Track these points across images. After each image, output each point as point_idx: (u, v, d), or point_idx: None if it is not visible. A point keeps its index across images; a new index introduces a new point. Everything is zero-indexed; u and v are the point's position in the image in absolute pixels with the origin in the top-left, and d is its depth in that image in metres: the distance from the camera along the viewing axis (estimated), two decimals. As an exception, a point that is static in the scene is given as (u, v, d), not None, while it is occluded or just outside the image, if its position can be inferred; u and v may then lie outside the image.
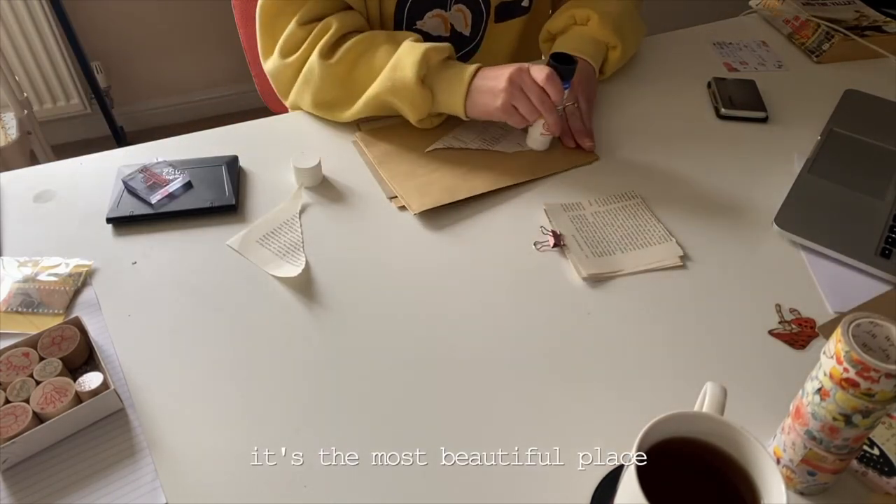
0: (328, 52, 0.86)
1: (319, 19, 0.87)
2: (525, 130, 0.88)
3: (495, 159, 0.86)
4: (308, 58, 0.86)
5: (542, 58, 1.05)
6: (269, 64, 0.90)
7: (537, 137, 0.87)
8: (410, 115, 0.86)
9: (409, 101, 0.84)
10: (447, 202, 0.78)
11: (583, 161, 0.86)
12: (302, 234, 0.76)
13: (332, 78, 0.86)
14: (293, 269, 0.71)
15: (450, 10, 0.95)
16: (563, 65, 0.81)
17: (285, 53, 0.88)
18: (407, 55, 0.83)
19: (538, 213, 0.79)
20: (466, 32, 0.99)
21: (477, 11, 0.97)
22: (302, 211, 0.79)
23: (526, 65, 0.81)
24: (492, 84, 0.81)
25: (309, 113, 0.93)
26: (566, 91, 0.82)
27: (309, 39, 0.86)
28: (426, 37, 0.96)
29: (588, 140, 0.87)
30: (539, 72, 0.80)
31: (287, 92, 0.91)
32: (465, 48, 1.00)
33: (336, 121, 0.91)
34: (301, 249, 0.74)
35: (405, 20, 0.95)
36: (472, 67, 0.83)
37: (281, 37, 0.87)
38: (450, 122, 0.90)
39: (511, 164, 0.85)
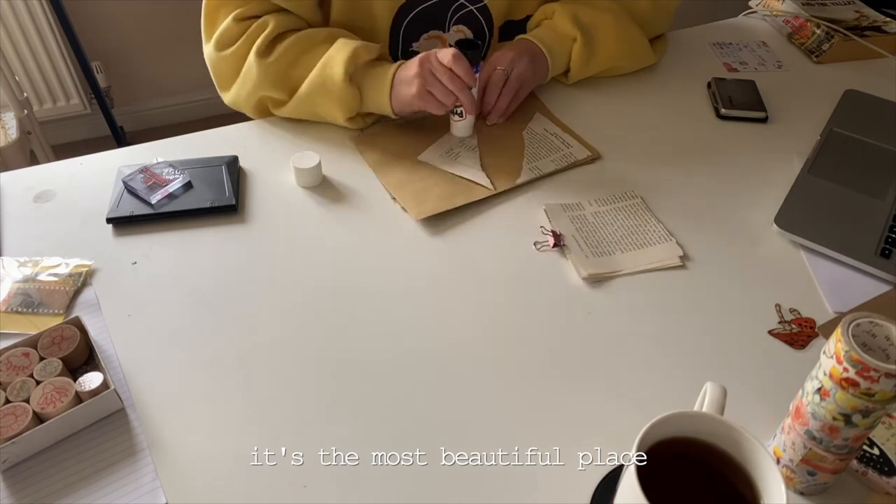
0: (265, 51, 0.85)
1: (257, 18, 0.86)
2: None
3: (492, 162, 0.86)
4: (244, 55, 0.86)
5: None
6: (206, 52, 0.90)
7: (456, 123, 0.88)
8: (339, 114, 0.86)
9: (337, 99, 0.84)
10: (445, 209, 0.78)
11: (583, 160, 0.86)
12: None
13: (270, 77, 0.85)
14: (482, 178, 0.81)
15: (448, 30, 0.94)
16: (467, 49, 0.82)
17: (220, 47, 0.87)
18: (337, 53, 0.83)
19: (538, 213, 0.79)
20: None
21: (479, 32, 0.96)
22: (303, 210, 0.79)
23: (434, 50, 0.82)
24: (406, 74, 0.82)
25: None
26: (476, 75, 0.84)
27: (244, 37, 0.85)
28: None
29: (495, 115, 0.89)
30: (445, 54, 0.81)
31: (224, 86, 0.90)
32: None
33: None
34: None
35: (400, 42, 0.94)
36: (395, 64, 0.84)
37: (218, 29, 0.87)
38: (441, 128, 0.90)
39: (510, 166, 0.85)
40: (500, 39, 0.99)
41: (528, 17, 0.99)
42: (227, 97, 0.91)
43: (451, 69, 0.81)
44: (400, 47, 0.95)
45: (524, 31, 0.99)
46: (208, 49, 0.89)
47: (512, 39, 0.96)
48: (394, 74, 0.83)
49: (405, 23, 0.92)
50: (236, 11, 0.85)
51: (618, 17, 0.96)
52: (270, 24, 0.85)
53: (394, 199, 0.81)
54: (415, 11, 0.91)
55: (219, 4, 0.86)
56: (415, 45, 0.95)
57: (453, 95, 0.82)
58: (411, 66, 0.82)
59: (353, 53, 0.82)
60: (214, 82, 0.92)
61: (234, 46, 0.86)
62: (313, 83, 0.84)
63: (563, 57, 0.95)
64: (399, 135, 0.90)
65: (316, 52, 0.85)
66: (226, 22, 0.86)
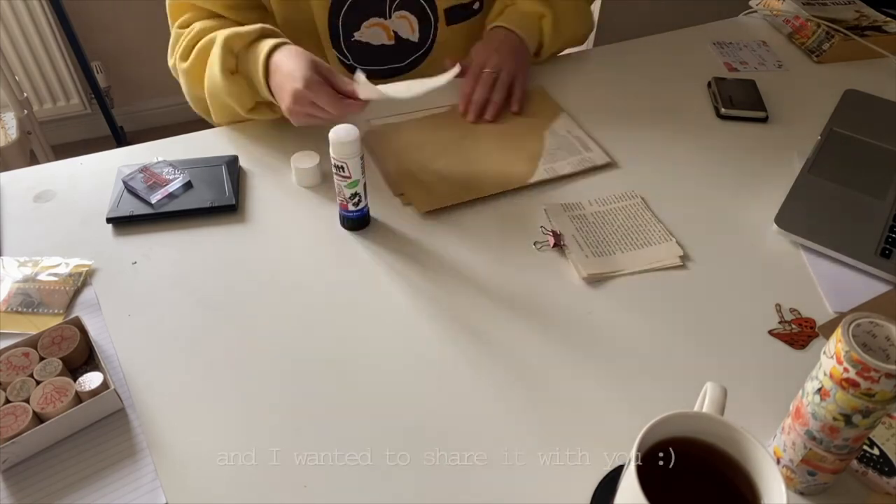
0: (185, 55, 0.86)
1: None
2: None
3: (509, 158, 0.85)
4: (174, 64, 0.88)
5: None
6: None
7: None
8: (240, 110, 0.83)
9: (227, 95, 0.81)
10: (453, 203, 0.78)
11: (601, 165, 0.85)
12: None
13: (190, 81, 0.86)
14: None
15: (390, 17, 0.93)
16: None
17: (169, 54, 0.90)
18: (214, 50, 0.81)
19: (538, 213, 0.79)
20: (415, 38, 0.96)
21: (424, 17, 0.95)
22: (303, 210, 0.79)
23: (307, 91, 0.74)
24: (280, 88, 0.78)
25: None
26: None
27: (179, 42, 0.87)
28: (367, 47, 0.92)
29: (492, 111, 0.88)
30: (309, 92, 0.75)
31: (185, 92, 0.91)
32: (414, 54, 0.98)
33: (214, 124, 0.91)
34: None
35: (341, 32, 0.92)
36: (266, 47, 0.78)
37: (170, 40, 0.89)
38: (453, 123, 0.90)
39: (526, 165, 0.84)
40: (447, 24, 0.97)
41: (476, 0, 0.98)
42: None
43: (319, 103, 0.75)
44: (342, 37, 0.93)
45: (472, 16, 0.98)
46: (168, 62, 0.91)
47: (458, 24, 0.96)
48: (266, 62, 0.78)
49: (342, 12, 0.90)
50: (179, 20, 0.88)
51: None
52: (195, 29, 0.85)
53: (399, 195, 0.81)
54: (349, 1, 0.89)
55: (172, 15, 0.89)
56: (356, 35, 0.93)
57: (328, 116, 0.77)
58: (284, 89, 0.76)
59: (224, 45, 0.79)
60: None
61: (172, 56, 0.89)
62: (207, 87, 0.84)
63: (536, 37, 0.96)
64: (413, 127, 0.89)
65: (212, 52, 0.83)
66: (172, 30, 0.89)
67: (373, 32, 0.93)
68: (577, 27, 1.02)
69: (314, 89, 0.74)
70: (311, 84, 0.74)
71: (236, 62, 0.81)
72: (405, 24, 0.94)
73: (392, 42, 0.95)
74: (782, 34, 1.16)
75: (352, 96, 0.76)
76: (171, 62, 0.90)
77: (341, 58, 0.96)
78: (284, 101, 0.77)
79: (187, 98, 0.90)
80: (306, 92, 0.74)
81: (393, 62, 0.97)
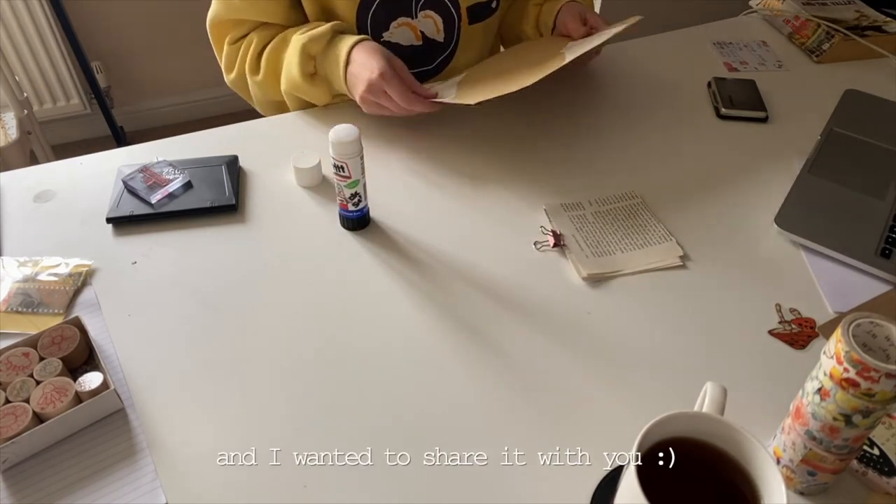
0: (254, 69, 0.91)
1: (245, 37, 0.92)
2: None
3: (530, 59, 0.87)
4: (243, 74, 0.93)
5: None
6: (227, 80, 0.97)
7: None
8: (318, 104, 0.92)
9: (308, 96, 0.90)
10: (500, 94, 0.79)
11: (626, 29, 0.86)
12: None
13: (266, 90, 0.92)
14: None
15: (416, 17, 0.93)
16: None
17: (228, 71, 0.95)
18: (291, 55, 0.87)
19: (538, 213, 0.79)
20: (440, 38, 0.97)
21: (448, 16, 0.95)
22: (303, 210, 0.79)
23: (381, 83, 0.81)
24: (356, 77, 0.83)
25: (309, 113, 0.93)
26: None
27: (239, 57, 0.92)
28: (397, 48, 0.94)
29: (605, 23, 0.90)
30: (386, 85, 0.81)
31: (252, 101, 0.98)
32: (441, 54, 0.99)
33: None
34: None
35: (370, 34, 0.93)
36: (346, 46, 0.84)
37: (223, 58, 0.94)
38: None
39: (546, 53, 0.85)
40: (469, 23, 0.98)
41: None
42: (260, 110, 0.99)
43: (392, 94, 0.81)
44: (371, 39, 0.94)
45: (489, 13, 0.99)
46: (225, 77, 0.96)
47: (481, 22, 0.99)
48: (346, 63, 0.84)
49: (370, 15, 0.91)
50: (228, 36, 0.92)
51: None
52: (254, 42, 0.90)
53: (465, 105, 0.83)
54: (377, 2, 0.91)
55: (216, 36, 0.93)
56: (385, 36, 0.93)
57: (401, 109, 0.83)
58: (363, 70, 0.82)
59: (302, 51, 0.85)
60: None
61: (235, 71, 0.93)
62: (285, 85, 0.89)
63: None
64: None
65: (282, 58, 0.89)
66: (224, 49, 0.93)
67: (401, 32, 0.94)
68: None
69: (388, 79, 0.80)
70: (385, 75, 0.80)
71: (314, 65, 0.87)
72: (431, 24, 0.95)
73: (420, 43, 0.96)
74: (782, 34, 1.16)
75: (422, 95, 0.83)
76: (230, 77, 0.95)
77: None
78: (358, 90, 0.83)
79: (257, 104, 0.97)
80: (380, 81, 0.80)
81: (422, 64, 0.98)
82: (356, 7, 0.90)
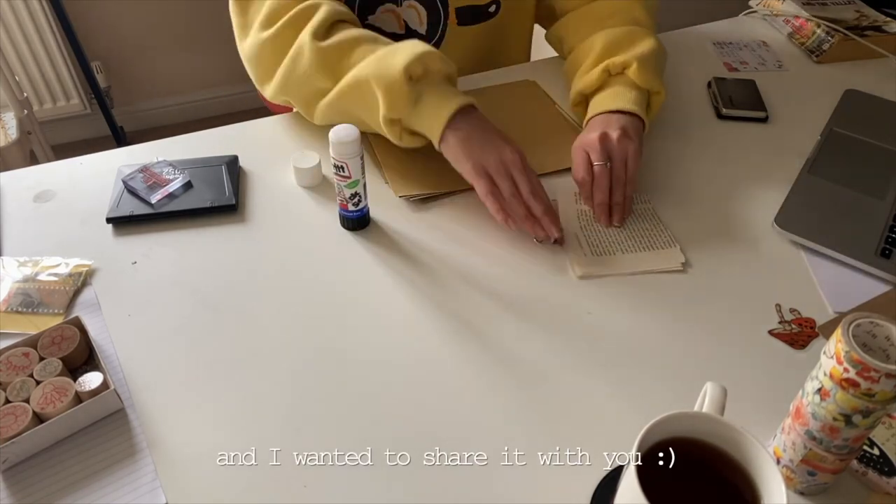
0: (322, 34, 0.78)
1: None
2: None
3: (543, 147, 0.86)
4: (288, 36, 0.79)
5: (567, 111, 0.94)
6: (247, 42, 0.82)
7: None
8: (383, 108, 0.75)
9: (386, 90, 0.74)
10: (431, 193, 0.79)
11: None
12: None
13: (323, 61, 0.78)
14: None
15: (401, 5, 0.92)
16: None
17: (266, 25, 0.80)
18: (406, 47, 0.75)
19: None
20: (422, 31, 0.95)
21: (433, 10, 0.93)
22: (303, 210, 0.79)
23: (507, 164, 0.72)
24: (475, 142, 0.74)
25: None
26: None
27: (294, 13, 0.78)
28: (379, 33, 0.85)
29: (618, 216, 0.77)
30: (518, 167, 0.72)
31: (266, 76, 0.82)
32: None
33: (308, 118, 0.85)
34: None
35: (357, 14, 0.90)
36: (461, 100, 0.74)
37: (262, 11, 0.80)
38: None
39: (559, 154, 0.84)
40: (458, 24, 0.94)
41: (493, 3, 0.95)
42: (270, 89, 0.83)
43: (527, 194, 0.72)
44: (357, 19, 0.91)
45: (485, 18, 0.95)
46: (251, 36, 0.82)
47: (470, 26, 0.92)
48: (457, 110, 0.74)
49: None
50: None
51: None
52: (323, 8, 0.79)
53: (385, 181, 0.81)
54: None
55: None
56: (370, 19, 0.92)
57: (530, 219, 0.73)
58: (484, 142, 0.73)
59: (425, 52, 0.74)
60: (254, 76, 0.85)
61: (280, 23, 0.79)
62: (367, 68, 0.75)
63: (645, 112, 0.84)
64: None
65: (377, 44, 0.78)
66: (273, 2, 0.80)
67: (385, 18, 0.93)
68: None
69: (525, 162, 0.73)
70: (523, 155, 0.73)
71: (421, 73, 0.75)
72: (414, 14, 0.93)
73: (402, 32, 0.94)
74: (782, 34, 1.16)
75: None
76: (266, 32, 0.79)
77: None
78: (485, 161, 0.73)
79: (289, 76, 0.80)
80: (517, 159, 0.72)
81: None
82: None
